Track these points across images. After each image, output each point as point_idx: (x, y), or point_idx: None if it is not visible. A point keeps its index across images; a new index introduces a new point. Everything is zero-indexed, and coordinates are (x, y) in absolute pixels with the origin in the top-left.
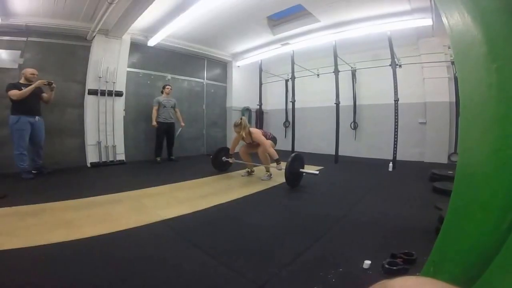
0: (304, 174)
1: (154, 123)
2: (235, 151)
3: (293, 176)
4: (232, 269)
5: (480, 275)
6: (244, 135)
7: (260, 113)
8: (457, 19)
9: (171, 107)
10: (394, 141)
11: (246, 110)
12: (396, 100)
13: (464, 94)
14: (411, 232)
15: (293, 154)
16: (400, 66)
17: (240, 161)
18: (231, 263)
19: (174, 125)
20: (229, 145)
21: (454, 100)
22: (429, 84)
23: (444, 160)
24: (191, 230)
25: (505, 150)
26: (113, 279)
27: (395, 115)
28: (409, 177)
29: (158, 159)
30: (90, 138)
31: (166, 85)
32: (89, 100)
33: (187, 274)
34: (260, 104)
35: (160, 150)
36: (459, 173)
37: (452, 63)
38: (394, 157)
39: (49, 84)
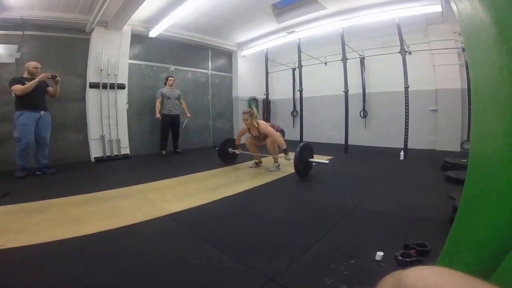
0: (313, 163)
1: (158, 115)
2: (241, 142)
3: (303, 166)
4: (241, 262)
5: (498, 266)
6: (251, 125)
7: (267, 103)
8: (465, 3)
9: (176, 98)
10: (405, 129)
11: (253, 100)
12: (406, 87)
13: (475, 79)
14: (424, 223)
15: (301, 144)
16: (409, 53)
17: (247, 152)
18: (240, 256)
19: (179, 117)
20: (235, 136)
21: (466, 87)
22: (439, 71)
23: (456, 148)
24: (199, 223)
25: None
26: (121, 274)
27: (405, 103)
28: (421, 166)
29: (164, 152)
30: (93, 132)
31: (169, 76)
32: (91, 93)
33: (195, 268)
34: (267, 94)
35: (165, 143)
36: (473, 159)
37: (463, 49)
38: (405, 145)
39: (53, 77)
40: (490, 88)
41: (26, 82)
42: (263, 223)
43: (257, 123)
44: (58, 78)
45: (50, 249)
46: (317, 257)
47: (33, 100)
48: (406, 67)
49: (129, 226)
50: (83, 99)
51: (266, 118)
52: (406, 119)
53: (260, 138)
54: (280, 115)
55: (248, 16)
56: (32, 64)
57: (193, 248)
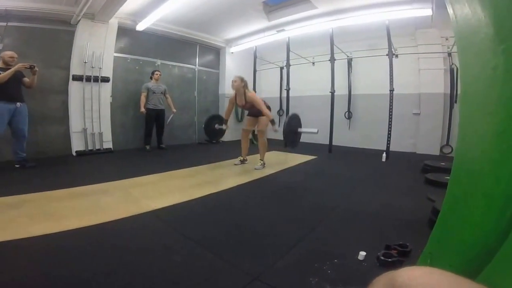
0: (302, 133)
1: (142, 109)
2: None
3: (291, 136)
4: (225, 261)
5: (483, 268)
6: (239, 90)
7: None
8: (463, 3)
9: (161, 93)
10: (388, 131)
11: None
12: (392, 90)
13: (465, 80)
14: (404, 224)
15: (290, 114)
16: (396, 56)
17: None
18: (224, 254)
19: (164, 111)
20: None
21: (449, 92)
22: (424, 75)
23: (436, 152)
24: (182, 221)
25: (511, 131)
26: (100, 272)
27: (389, 106)
28: (402, 168)
29: (147, 147)
30: (75, 125)
31: (155, 71)
32: (74, 86)
33: (178, 265)
34: (254, 92)
35: (149, 138)
36: (458, 160)
37: (449, 54)
38: (388, 147)
39: (31, 67)
40: (482, 88)
41: (0, 72)
42: (248, 221)
43: (245, 92)
44: (36, 69)
45: (27, 245)
46: (301, 256)
47: (8, 91)
48: (392, 70)
49: (110, 223)
50: (65, 92)
51: None
52: (389, 121)
53: (246, 107)
54: None
55: (239, 12)
56: (8, 53)
57: (176, 245)
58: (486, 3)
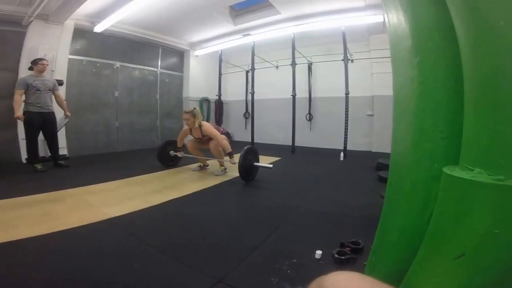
0: (258, 168)
1: (18, 114)
2: (184, 143)
3: (247, 170)
4: (188, 265)
5: (409, 267)
6: (193, 125)
7: (219, 104)
8: (393, 13)
9: (49, 90)
10: (345, 132)
11: (204, 101)
12: (347, 94)
13: (396, 88)
14: (359, 221)
15: (246, 147)
16: (352, 61)
17: (191, 155)
18: (187, 259)
19: (54, 115)
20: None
21: None
22: (377, 79)
23: (389, 150)
24: (142, 228)
25: (423, 143)
26: (57, 280)
27: (345, 108)
28: (358, 166)
29: (39, 166)
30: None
31: (40, 59)
32: None
33: (139, 271)
34: (220, 95)
35: (36, 153)
36: (392, 165)
37: None
38: (345, 147)
39: None
40: (405, 98)
41: None
42: (210, 225)
43: (200, 124)
44: None
45: None
46: (263, 257)
47: None
48: (347, 74)
49: (62, 232)
50: (11, 95)
51: (219, 119)
52: (346, 122)
53: (203, 140)
54: (233, 116)
55: (204, 16)
56: None
57: (137, 252)
58: (409, 14)
